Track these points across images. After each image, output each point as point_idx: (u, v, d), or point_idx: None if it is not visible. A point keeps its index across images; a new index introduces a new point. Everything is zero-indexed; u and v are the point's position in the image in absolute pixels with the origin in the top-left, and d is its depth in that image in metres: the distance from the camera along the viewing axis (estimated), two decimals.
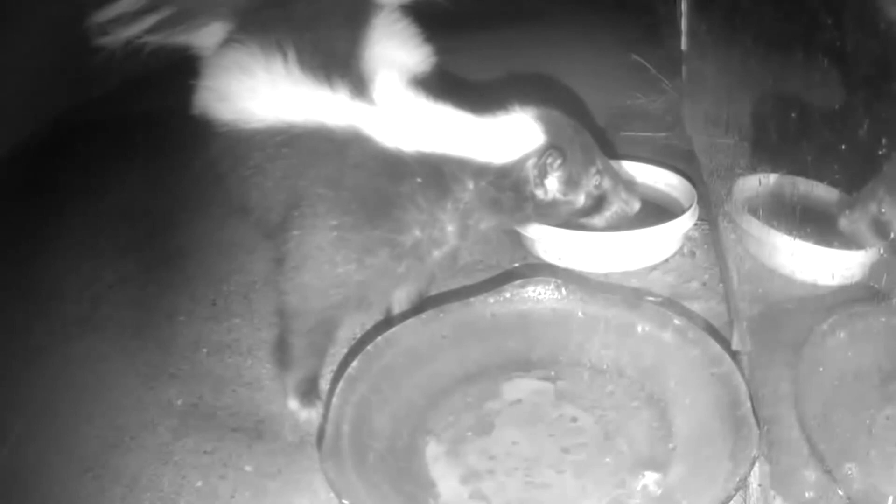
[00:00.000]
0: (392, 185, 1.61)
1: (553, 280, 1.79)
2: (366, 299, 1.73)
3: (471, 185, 1.59)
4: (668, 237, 2.20)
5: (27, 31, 2.87)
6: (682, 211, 2.20)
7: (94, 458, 1.71)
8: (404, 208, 1.61)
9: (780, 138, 1.79)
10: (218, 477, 1.66)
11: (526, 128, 1.58)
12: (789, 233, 1.84)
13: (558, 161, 1.56)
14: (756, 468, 1.43)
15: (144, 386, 1.90)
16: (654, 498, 1.45)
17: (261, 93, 1.71)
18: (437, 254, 1.68)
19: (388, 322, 1.94)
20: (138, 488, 1.64)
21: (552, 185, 1.59)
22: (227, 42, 1.85)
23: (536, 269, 2.14)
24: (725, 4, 2.24)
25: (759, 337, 1.74)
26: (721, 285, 2.10)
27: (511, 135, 1.58)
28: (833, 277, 1.80)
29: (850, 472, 1.33)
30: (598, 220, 1.69)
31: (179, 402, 1.86)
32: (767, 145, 1.90)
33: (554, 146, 1.56)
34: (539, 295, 1.78)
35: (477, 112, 1.62)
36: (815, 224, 1.75)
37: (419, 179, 1.60)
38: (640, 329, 1.71)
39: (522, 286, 1.78)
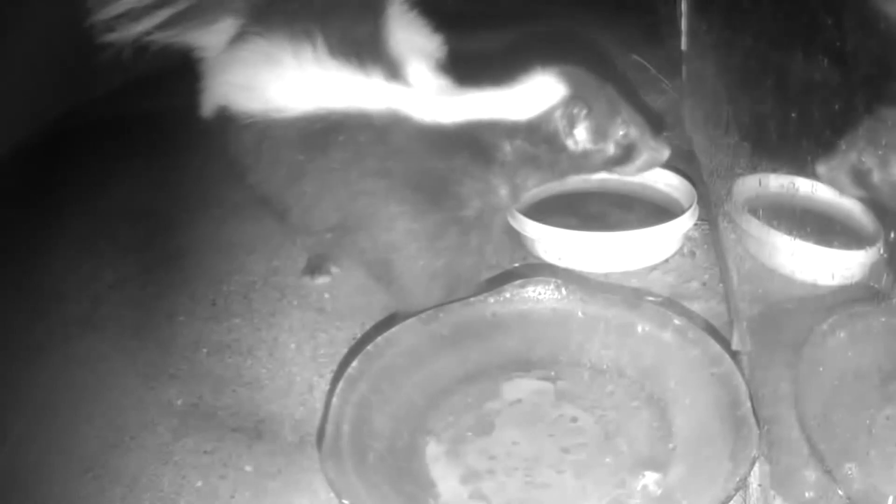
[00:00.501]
0: (443, 161, 1.67)
1: (553, 280, 1.79)
2: (461, 279, 1.80)
3: (508, 145, 1.66)
4: (668, 237, 2.20)
5: (27, 30, 2.87)
6: (682, 211, 2.20)
7: (94, 458, 1.71)
8: (460, 182, 1.68)
9: (780, 138, 1.79)
10: (218, 477, 1.66)
11: (550, 84, 1.66)
12: (789, 233, 1.84)
13: (584, 111, 1.63)
14: (756, 468, 1.43)
15: (144, 386, 1.90)
16: (654, 498, 1.45)
17: (293, 82, 1.72)
18: (498, 219, 1.78)
19: (388, 322, 1.94)
20: (138, 488, 1.64)
21: (581, 135, 1.66)
22: (242, 35, 1.84)
23: (536, 269, 2.14)
24: (725, 4, 2.24)
25: (759, 337, 1.74)
26: (721, 285, 2.10)
27: (537, 92, 1.66)
28: (833, 277, 1.80)
29: (850, 472, 1.33)
30: (629, 168, 1.76)
31: (179, 402, 1.86)
32: (767, 145, 1.90)
33: (578, 97, 1.63)
34: (539, 295, 1.78)
35: (502, 77, 1.70)
36: (815, 224, 1.75)
37: (466, 151, 1.66)
38: (640, 329, 1.71)
39: (522, 286, 1.78)
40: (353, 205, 1.72)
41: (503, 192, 1.73)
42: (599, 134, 1.67)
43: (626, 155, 1.72)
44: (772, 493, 1.42)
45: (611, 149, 1.69)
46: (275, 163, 1.78)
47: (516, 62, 1.70)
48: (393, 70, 1.70)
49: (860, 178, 1.68)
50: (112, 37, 1.85)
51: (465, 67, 1.79)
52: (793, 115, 1.70)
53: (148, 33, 1.87)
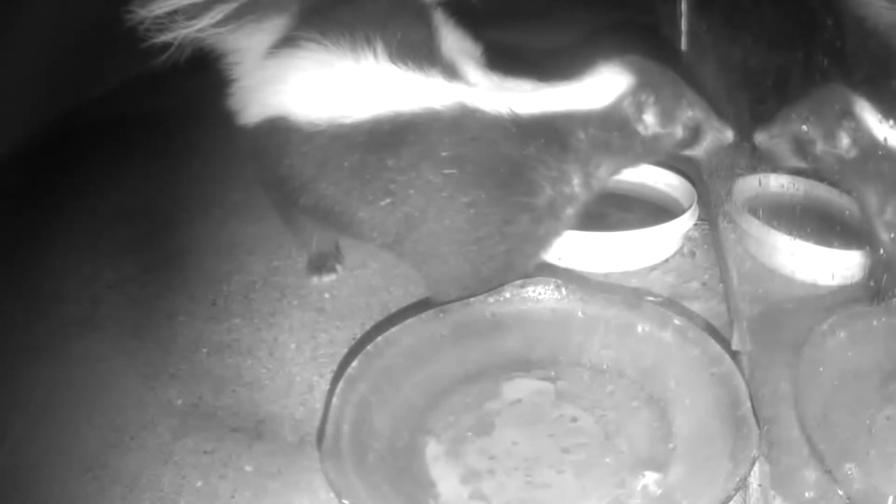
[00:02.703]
0: (517, 148, 1.71)
1: (553, 280, 1.79)
2: (511, 267, 1.82)
3: (582, 133, 1.72)
4: (668, 237, 2.20)
5: (27, 30, 2.87)
6: (682, 211, 2.20)
7: (94, 458, 1.71)
8: (534, 169, 1.72)
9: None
10: (218, 477, 1.66)
11: (617, 75, 1.72)
12: (789, 233, 1.85)
13: (651, 97, 1.69)
14: (756, 468, 1.43)
15: (144, 386, 1.90)
16: (654, 498, 1.45)
17: (358, 87, 1.75)
18: (569, 211, 1.81)
19: (388, 322, 1.94)
20: (138, 488, 1.64)
21: (650, 120, 1.71)
22: (292, 41, 1.84)
23: (536, 269, 2.13)
24: (725, 4, 2.24)
25: (759, 337, 1.74)
26: (721, 285, 2.10)
27: (605, 83, 1.72)
28: (833, 277, 1.80)
29: (850, 472, 1.33)
30: (697, 149, 1.79)
31: (179, 402, 1.86)
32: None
33: (645, 84, 1.69)
34: (539, 295, 1.78)
35: (570, 71, 1.77)
36: (815, 224, 1.75)
37: (541, 139, 1.70)
38: (640, 329, 1.71)
39: (522, 286, 1.78)
40: (423, 199, 1.75)
41: (576, 180, 1.77)
42: (667, 118, 1.72)
43: (693, 136, 1.76)
44: (772, 493, 1.42)
45: (679, 131, 1.73)
46: (342, 169, 1.79)
47: (579, 57, 1.77)
48: (451, 71, 1.75)
49: (802, 148, 1.70)
50: (161, 36, 1.86)
51: (515, 65, 1.84)
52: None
53: (197, 31, 1.88)
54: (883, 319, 1.58)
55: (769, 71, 1.96)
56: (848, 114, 1.59)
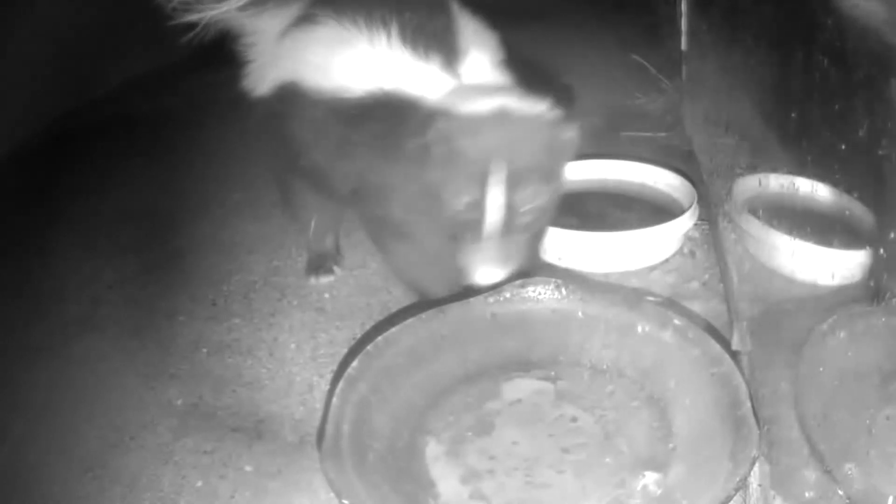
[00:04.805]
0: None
1: (553, 280, 1.79)
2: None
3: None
4: (668, 237, 2.20)
5: (27, 30, 2.87)
6: (682, 211, 2.20)
7: (94, 458, 1.71)
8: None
9: (780, 138, 1.79)
10: (218, 477, 1.66)
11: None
12: (789, 233, 1.84)
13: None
14: (756, 468, 1.43)
15: (144, 386, 1.90)
16: (654, 498, 1.45)
17: (364, 64, 1.77)
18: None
19: (388, 322, 1.94)
20: (138, 488, 1.64)
21: None
22: (310, 17, 1.89)
23: (536, 269, 2.14)
24: (725, 4, 2.24)
25: (759, 337, 1.74)
26: (721, 285, 2.10)
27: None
28: (833, 277, 1.80)
29: (850, 472, 1.33)
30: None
31: (179, 402, 1.86)
32: (767, 145, 1.90)
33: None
34: (539, 295, 1.78)
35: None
36: (815, 224, 1.75)
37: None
38: (640, 329, 1.71)
39: (522, 286, 1.78)
40: (367, 177, 1.79)
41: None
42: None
43: None
44: (772, 493, 1.42)
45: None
46: (329, 136, 1.84)
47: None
48: (450, 62, 1.74)
49: None
50: (188, 17, 1.92)
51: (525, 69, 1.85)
52: (793, 115, 1.71)
53: (222, 13, 1.94)
54: (883, 319, 1.58)
55: (769, 71, 1.96)
56: None
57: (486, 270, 1.73)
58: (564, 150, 1.69)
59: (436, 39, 1.77)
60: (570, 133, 1.66)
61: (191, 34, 1.92)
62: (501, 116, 1.61)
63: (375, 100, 1.75)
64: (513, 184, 1.58)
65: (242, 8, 1.96)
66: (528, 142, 1.62)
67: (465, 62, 1.76)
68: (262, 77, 1.97)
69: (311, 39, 1.87)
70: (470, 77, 1.75)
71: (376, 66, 1.77)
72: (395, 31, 1.76)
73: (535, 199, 1.63)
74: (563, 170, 1.72)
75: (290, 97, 1.88)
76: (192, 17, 1.91)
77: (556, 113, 1.66)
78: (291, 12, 1.95)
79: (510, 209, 1.60)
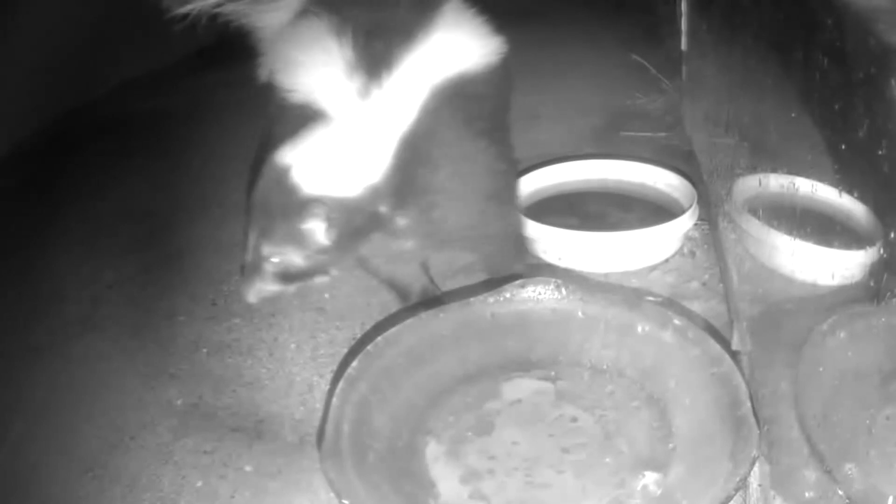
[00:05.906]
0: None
1: (553, 280, 1.79)
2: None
3: None
4: (668, 237, 2.20)
5: (27, 30, 2.87)
6: (682, 211, 2.20)
7: (94, 458, 1.71)
8: None
9: (780, 138, 1.79)
10: (218, 477, 1.66)
11: None
12: (789, 233, 1.84)
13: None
14: (756, 468, 1.43)
15: (144, 386, 1.90)
16: (654, 498, 1.45)
17: (322, 65, 1.75)
18: None
19: (388, 322, 1.94)
20: (138, 488, 1.64)
21: None
22: (305, 13, 1.89)
23: (536, 269, 2.13)
24: (725, 4, 2.24)
25: (759, 337, 1.74)
26: (721, 285, 2.10)
27: None
28: (833, 277, 1.80)
29: (850, 472, 1.33)
30: None
31: (179, 402, 1.86)
32: (767, 145, 1.90)
33: None
34: (539, 295, 1.78)
35: None
36: (815, 224, 1.74)
37: None
38: (640, 329, 1.71)
39: (522, 286, 1.78)
40: None
41: None
42: None
43: None
44: (772, 493, 1.42)
45: None
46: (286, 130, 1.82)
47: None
48: (375, 76, 1.68)
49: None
50: (185, 8, 1.92)
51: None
52: (793, 114, 1.70)
53: (220, 5, 1.95)
54: (883, 319, 1.58)
55: (769, 71, 1.96)
56: None
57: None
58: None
59: (376, 55, 1.70)
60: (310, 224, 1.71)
61: (197, 28, 1.92)
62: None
63: (294, 104, 1.75)
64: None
65: (235, 2, 1.96)
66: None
67: (385, 86, 1.68)
68: (266, 69, 1.98)
69: (293, 35, 1.87)
70: (381, 102, 1.68)
71: (318, 74, 1.74)
72: (348, 37, 1.71)
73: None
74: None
75: (272, 90, 1.88)
76: (186, 9, 1.91)
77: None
78: (288, 7, 1.95)
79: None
